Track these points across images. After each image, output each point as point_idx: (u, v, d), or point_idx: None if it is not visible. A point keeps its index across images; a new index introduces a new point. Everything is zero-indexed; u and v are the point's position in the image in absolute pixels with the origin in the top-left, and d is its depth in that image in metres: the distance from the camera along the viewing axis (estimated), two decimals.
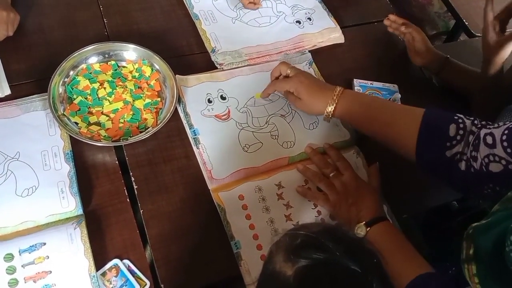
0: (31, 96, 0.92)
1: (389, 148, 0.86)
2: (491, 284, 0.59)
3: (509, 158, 0.67)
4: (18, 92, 0.93)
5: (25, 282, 0.73)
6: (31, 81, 0.95)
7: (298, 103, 0.94)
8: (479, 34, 1.30)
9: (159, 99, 0.96)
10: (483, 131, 0.72)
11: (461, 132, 0.76)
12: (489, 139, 0.70)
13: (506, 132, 0.68)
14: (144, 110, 0.94)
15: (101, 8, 1.08)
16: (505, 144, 0.67)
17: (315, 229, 0.57)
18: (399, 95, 1.07)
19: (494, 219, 0.62)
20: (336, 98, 0.89)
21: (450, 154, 0.76)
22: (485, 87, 1.02)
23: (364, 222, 0.81)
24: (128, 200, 0.85)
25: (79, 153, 0.88)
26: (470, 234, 0.64)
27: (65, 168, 0.85)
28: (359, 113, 0.89)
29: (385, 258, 0.77)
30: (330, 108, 0.89)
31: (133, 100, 0.94)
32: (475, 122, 0.76)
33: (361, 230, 0.81)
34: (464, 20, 1.34)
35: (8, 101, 0.91)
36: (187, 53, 1.06)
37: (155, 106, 0.95)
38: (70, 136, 0.88)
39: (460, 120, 0.77)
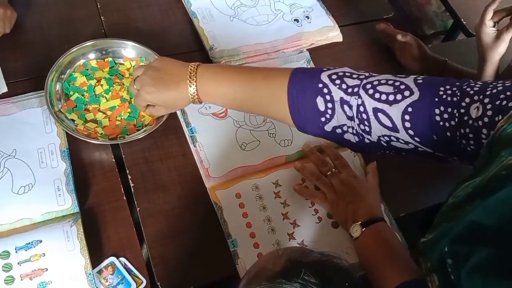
0: (27, 94, 0.92)
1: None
2: None
3: (418, 144, 0.64)
4: (15, 89, 0.93)
5: (21, 280, 0.73)
6: (28, 79, 0.95)
7: (163, 110, 0.85)
8: None
9: None
10: (368, 104, 0.65)
11: (329, 105, 0.69)
12: (385, 120, 0.65)
13: (407, 117, 0.63)
14: None
15: (98, 6, 1.08)
16: (410, 132, 0.64)
17: (277, 268, 0.55)
18: None
19: (437, 234, 0.60)
20: (194, 76, 0.78)
21: (330, 128, 0.71)
22: None
23: (359, 222, 0.81)
24: (124, 198, 0.85)
25: (75, 151, 0.88)
26: (421, 249, 0.62)
27: (62, 166, 0.84)
28: (225, 91, 0.78)
29: (376, 260, 0.77)
30: (192, 90, 0.78)
31: (131, 98, 0.94)
32: (343, 86, 0.68)
33: (356, 230, 0.81)
34: (462, 20, 1.34)
35: (5, 99, 0.91)
36: (184, 51, 1.06)
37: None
38: (67, 134, 0.87)
39: (325, 90, 0.69)
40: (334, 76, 0.70)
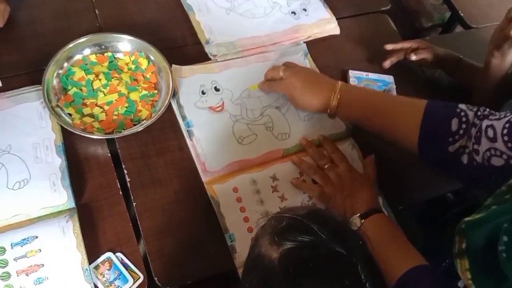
0: (22, 88, 0.91)
1: (390, 142, 0.85)
2: (483, 280, 0.58)
3: (509, 153, 0.66)
4: (9, 84, 0.92)
5: (18, 276, 0.72)
6: (22, 73, 0.94)
7: (291, 101, 0.95)
8: (474, 26, 1.29)
9: (156, 91, 0.95)
10: (484, 123, 0.70)
11: (463, 126, 0.74)
12: (491, 133, 0.69)
13: (507, 125, 0.67)
14: (140, 102, 0.93)
15: None
16: (505, 138, 0.66)
17: (301, 211, 0.57)
18: (394, 86, 1.07)
19: (487, 215, 0.61)
20: (338, 93, 0.88)
21: (453, 149, 0.75)
22: (490, 85, 1.01)
23: (358, 214, 0.80)
24: (120, 193, 0.84)
25: (71, 146, 0.87)
26: (463, 228, 0.63)
27: (57, 161, 0.84)
28: (360, 106, 0.88)
29: (379, 250, 0.77)
30: (333, 103, 0.88)
31: (128, 92, 0.93)
32: (478, 113, 0.74)
33: (355, 223, 0.80)
34: (460, 12, 1.33)
35: None
36: (180, 44, 1.05)
37: (152, 99, 0.94)
38: (62, 129, 0.87)
39: (462, 113, 0.75)
40: (471, 106, 0.76)
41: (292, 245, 0.53)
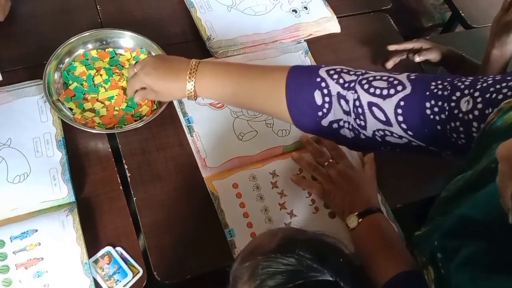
0: (23, 82, 0.91)
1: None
2: None
3: (411, 138, 0.64)
4: (10, 78, 0.92)
5: (17, 269, 0.72)
6: (22, 68, 0.94)
7: (153, 96, 0.84)
8: (475, 25, 1.30)
9: None
10: (362, 98, 0.66)
11: (327, 99, 0.68)
12: (379, 114, 0.65)
13: (399, 111, 0.63)
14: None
15: None
16: (403, 126, 0.64)
17: (272, 244, 0.55)
18: None
19: (430, 228, 0.60)
20: (194, 73, 0.78)
21: (326, 123, 0.70)
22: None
23: (356, 213, 0.80)
24: (121, 188, 0.85)
25: (71, 140, 0.87)
26: (415, 244, 0.62)
27: (57, 155, 0.84)
28: (223, 87, 0.77)
29: (371, 250, 0.77)
30: (190, 86, 0.78)
31: None
32: (340, 80, 0.68)
33: (352, 221, 0.80)
34: (461, 12, 1.33)
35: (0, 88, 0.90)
36: (181, 41, 1.05)
37: None
38: (63, 123, 0.87)
39: (323, 84, 0.69)
40: (332, 72, 0.70)
41: (277, 284, 0.51)
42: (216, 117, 0.94)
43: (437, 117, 0.62)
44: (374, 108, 0.65)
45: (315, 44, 1.11)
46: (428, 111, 0.62)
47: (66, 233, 0.76)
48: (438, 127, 0.62)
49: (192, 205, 0.85)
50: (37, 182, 0.81)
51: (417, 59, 1.07)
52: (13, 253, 0.73)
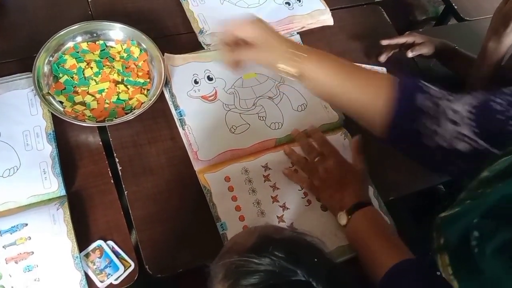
0: (13, 75, 0.90)
1: (356, 119, 0.78)
2: (465, 274, 0.57)
3: (476, 138, 0.64)
4: (0, 71, 0.90)
5: (7, 263, 0.72)
6: (12, 60, 0.93)
7: (253, 50, 0.75)
8: (468, 18, 1.30)
9: (148, 80, 0.94)
10: (445, 104, 0.68)
11: (428, 103, 0.70)
12: (454, 116, 0.66)
13: (471, 110, 0.65)
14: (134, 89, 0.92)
15: None
16: (472, 124, 0.64)
17: (248, 244, 0.56)
18: None
19: (461, 210, 0.60)
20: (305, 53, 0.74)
21: (418, 127, 0.70)
22: (484, 76, 1.01)
23: (344, 210, 0.80)
24: (112, 181, 0.84)
25: (62, 134, 0.86)
26: (439, 224, 0.62)
27: (48, 149, 0.83)
28: (329, 74, 0.74)
29: (365, 244, 0.77)
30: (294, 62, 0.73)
31: (122, 79, 0.92)
32: (438, 91, 0.71)
33: (342, 219, 0.81)
34: (454, 4, 1.33)
35: None
36: (173, 33, 1.04)
37: (144, 87, 0.93)
38: (53, 116, 0.86)
39: (425, 89, 0.71)
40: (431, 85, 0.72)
41: (250, 283, 0.51)
42: (208, 110, 0.93)
43: (499, 107, 0.63)
44: (451, 112, 0.67)
45: (308, 37, 1.11)
46: (493, 104, 0.64)
47: (57, 227, 0.75)
48: (500, 116, 0.63)
49: (184, 199, 0.85)
50: (27, 175, 0.80)
51: (410, 54, 1.07)
52: (3, 247, 0.72)
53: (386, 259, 0.71)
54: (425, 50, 1.08)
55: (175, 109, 0.92)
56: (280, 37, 0.76)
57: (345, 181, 0.84)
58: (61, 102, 0.88)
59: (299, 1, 1.14)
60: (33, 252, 0.73)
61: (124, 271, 0.76)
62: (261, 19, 0.78)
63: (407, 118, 0.71)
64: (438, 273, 0.68)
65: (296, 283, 0.50)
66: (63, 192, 0.80)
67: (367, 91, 0.75)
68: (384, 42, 1.08)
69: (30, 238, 0.74)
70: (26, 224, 0.75)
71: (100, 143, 0.87)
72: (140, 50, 0.96)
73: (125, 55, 0.96)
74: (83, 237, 0.77)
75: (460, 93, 0.69)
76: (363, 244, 0.78)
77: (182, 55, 0.98)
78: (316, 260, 0.54)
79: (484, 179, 0.59)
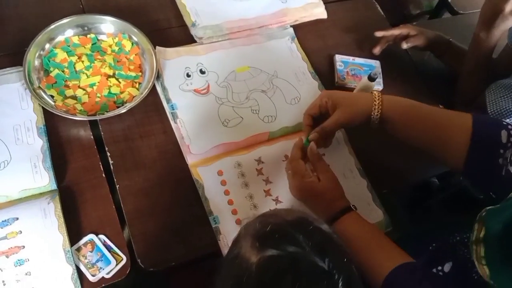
0: (3, 69, 0.89)
1: (432, 156, 0.82)
2: (499, 266, 0.59)
3: None
4: None
5: None
6: (3, 54, 0.92)
7: (336, 116, 0.82)
8: (462, 12, 1.29)
9: (140, 73, 0.94)
10: None
11: (511, 139, 0.73)
12: None
13: None
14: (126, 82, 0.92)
15: None
16: None
17: (289, 217, 0.56)
18: (380, 71, 1.07)
19: (509, 203, 0.62)
20: (379, 100, 0.81)
21: (501, 161, 0.72)
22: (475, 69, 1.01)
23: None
24: (103, 175, 0.83)
25: (53, 128, 0.86)
26: (483, 216, 0.63)
27: (38, 143, 0.82)
28: (405, 117, 0.81)
29: (357, 252, 0.74)
30: (376, 112, 0.81)
31: (114, 72, 0.92)
32: None
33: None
34: None
35: None
36: (165, 26, 1.03)
37: (136, 80, 0.93)
38: (44, 110, 0.85)
39: (510, 127, 0.74)
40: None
41: (273, 253, 0.51)
42: (201, 104, 0.93)
43: None
44: None
45: (301, 30, 1.10)
46: None
47: (48, 221, 0.75)
48: None
49: (176, 193, 0.85)
50: (17, 170, 0.79)
51: (404, 46, 1.07)
52: None
53: (383, 262, 0.70)
54: (420, 42, 1.07)
55: (167, 103, 0.92)
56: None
57: (314, 198, 0.79)
58: (52, 96, 0.87)
59: None
60: (24, 246, 0.72)
61: (116, 265, 0.75)
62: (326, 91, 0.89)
63: (491, 156, 0.73)
64: (438, 272, 0.69)
65: (319, 268, 0.50)
66: (54, 186, 0.79)
67: (447, 128, 0.78)
68: (379, 34, 1.08)
69: (21, 232, 0.73)
70: (17, 218, 0.74)
71: (91, 137, 0.87)
72: (132, 44, 0.95)
73: (116, 48, 0.95)
74: (75, 231, 0.77)
75: None
76: (357, 245, 0.75)
77: (174, 49, 0.98)
78: (345, 260, 0.53)
79: None
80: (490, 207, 0.63)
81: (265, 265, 0.51)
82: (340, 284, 0.50)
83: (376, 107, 0.81)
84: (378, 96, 0.81)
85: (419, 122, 0.81)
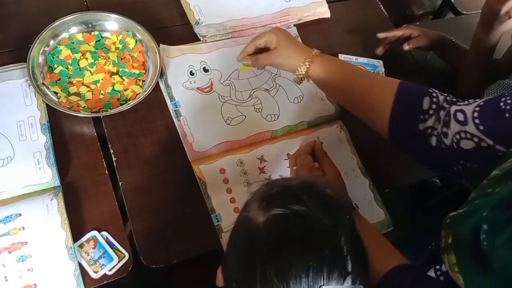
0: (7, 65, 0.89)
1: (360, 119, 0.83)
2: (471, 273, 0.58)
3: (481, 136, 0.65)
4: None
5: (0, 253, 0.71)
6: (7, 51, 0.92)
7: (270, 55, 0.88)
8: (465, 12, 1.29)
9: (144, 71, 0.94)
10: (453, 108, 0.70)
11: (433, 106, 0.73)
12: (460, 116, 0.68)
13: (477, 109, 0.66)
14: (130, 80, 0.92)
15: None
16: (477, 121, 0.66)
17: (294, 182, 0.57)
18: (383, 70, 1.07)
19: (471, 208, 0.61)
20: (312, 58, 0.84)
21: (422, 128, 0.74)
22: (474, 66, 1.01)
23: None
24: (106, 172, 0.84)
25: (56, 124, 0.86)
26: (448, 223, 0.63)
27: (42, 139, 0.82)
28: (334, 78, 0.84)
29: None
30: (302, 68, 0.84)
31: (117, 70, 0.92)
32: (447, 98, 0.74)
33: None
34: None
35: None
36: (169, 24, 1.03)
37: (139, 78, 0.93)
38: (47, 107, 0.85)
39: (434, 94, 0.74)
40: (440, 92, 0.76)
41: (279, 212, 0.52)
42: (204, 102, 0.93)
43: (508, 107, 0.64)
44: (458, 113, 0.69)
45: (304, 29, 1.10)
46: (502, 104, 0.64)
47: (51, 217, 0.75)
48: (507, 114, 0.63)
49: (179, 190, 0.85)
50: (21, 166, 0.79)
51: (406, 47, 1.07)
52: None
53: (380, 262, 0.69)
54: (422, 43, 1.07)
55: (171, 100, 0.92)
56: (295, 41, 0.88)
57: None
58: (56, 93, 0.88)
59: None
60: (26, 242, 0.73)
61: (118, 261, 0.76)
62: (279, 27, 0.92)
63: (412, 120, 0.74)
64: (437, 271, 0.69)
65: (323, 225, 0.51)
66: (57, 183, 0.79)
67: (373, 91, 0.80)
68: (381, 35, 1.08)
69: (24, 228, 0.74)
70: (20, 214, 0.74)
71: (95, 133, 0.87)
72: (136, 41, 0.96)
73: (120, 46, 0.95)
74: (77, 227, 0.77)
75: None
76: None
77: (177, 46, 0.98)
78: (348, 217, 0.55)
79: (494, 178, 0.60)
80: (453, 213, 0.63)
81: (272, 223, 0.52)
82: (342, 239, 0.51)
83: (303, 66, 0.84)
84: (312, 56, 0.84)
85: (347, 82, 0.83)
